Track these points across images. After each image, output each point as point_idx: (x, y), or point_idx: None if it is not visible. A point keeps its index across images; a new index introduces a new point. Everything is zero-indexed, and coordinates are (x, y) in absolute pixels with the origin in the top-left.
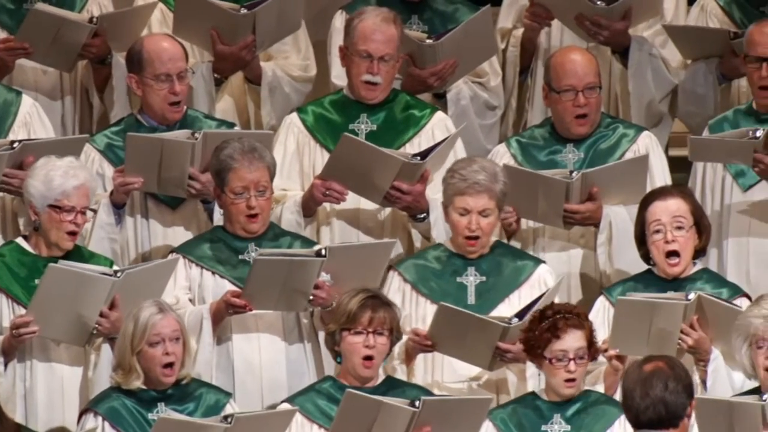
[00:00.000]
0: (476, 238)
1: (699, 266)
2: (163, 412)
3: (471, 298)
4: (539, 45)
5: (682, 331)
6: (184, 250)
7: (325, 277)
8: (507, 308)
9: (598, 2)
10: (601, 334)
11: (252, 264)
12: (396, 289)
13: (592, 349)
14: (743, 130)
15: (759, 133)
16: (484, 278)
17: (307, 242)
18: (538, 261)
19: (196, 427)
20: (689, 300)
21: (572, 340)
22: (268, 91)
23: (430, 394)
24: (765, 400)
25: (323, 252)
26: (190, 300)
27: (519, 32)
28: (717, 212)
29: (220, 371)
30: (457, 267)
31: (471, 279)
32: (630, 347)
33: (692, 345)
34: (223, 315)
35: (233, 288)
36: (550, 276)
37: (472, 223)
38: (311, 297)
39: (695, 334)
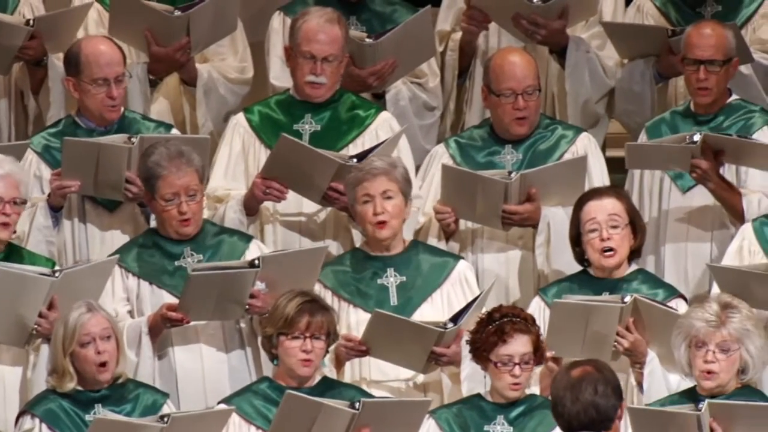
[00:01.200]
0: (384, 222)
1: (634, 267)
2: (100, 413)
3: (393, 299)
4: (478, 47)
5: (618, 334)
6: (121, 258)
7: (260, 285)
8: (430, 308)
9: (535, 0)
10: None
11: (186, 280)
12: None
13: (538, 354)
14: (680, 136)
15: (696, 138)
16: (404, 278)
17: (244, 237)
18: (457, 257)
19: (132, 427)
20: (625, 303)
21: (518, 345)
22: (203, 93)
23: (367, 394)
24: (700, 409)
25: (256, 262)
26: (129, 312)
27: (457, 35)
28: (655, 216)
29: (162, 382)
30: (376, 269)
31: (391, 280)
32: (566, 349)
33: (628, 347)
34: (161, 328)
35: (171, 298)
36: (470, 272)
37: (377, 207)
38: (247, 306)
39: (631, 337)
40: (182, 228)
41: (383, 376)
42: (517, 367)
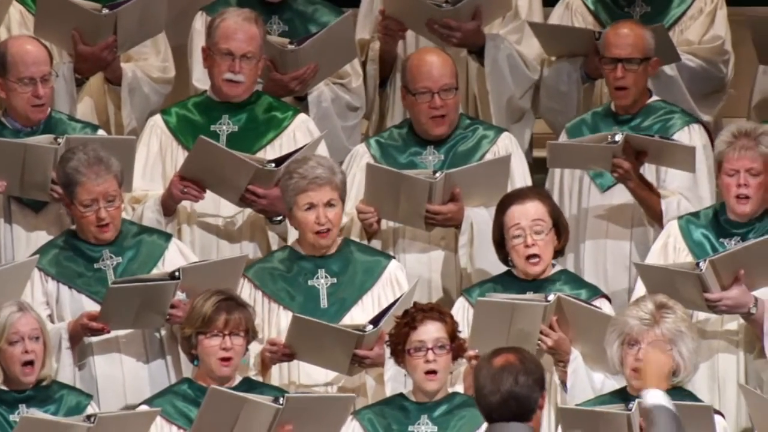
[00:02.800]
0: (327, 230)
1: (558, 267)
2: (25, 413)
3: (324, 302)
4: (397, 54)
5: (541, 332)
6: (40, 261)
7: (180, 296)
8: (360, 311)
9: (444, 5)
10: (462, 335)
11: (107, 291)
12: (247, 296)
13: (455, 343)
14: (602, 135)
15: (618, 138)
16: (335, 279)
17: (163, 236)
18: (389, 257)
19: (59, 427)
20: (549, 301)
21: (431, 331)
22: (128, 92)
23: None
24: (630, 409)
25: (177, 274)
26: (49, 316)
27: (377, 45)
28: (575, 214)
29: (84, 390)
30: (307, 270)
31: (322, 281)
32: (490, 348)
33: (551, 346)
34: (81, 335)
35: (91, 302)
36: (401, 272)
37: (321, 217)
38: (168, 316)
39: (555, 335)
40: (101, 233)
41: (311, 380)
42: (430, 352)
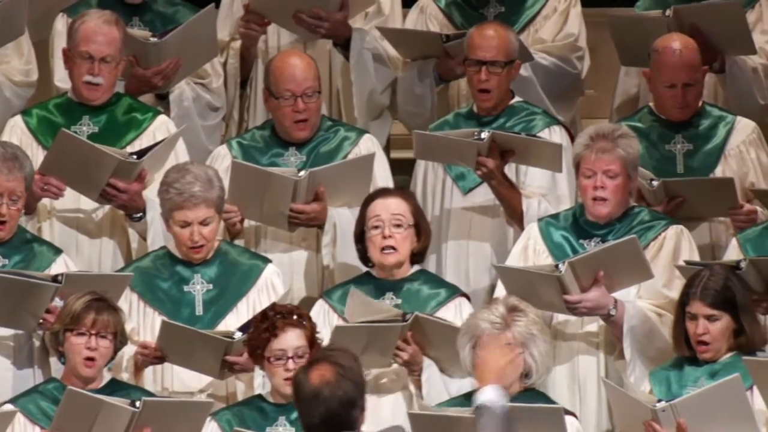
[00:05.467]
0: (201, 246)
1: (417, 267)
2: None
3: (199, 308)
4: (258, 52)
5: (397, 348)
6: None
7: (58, 302)
8: (235, 318)
9: None
10: (325, 336)
11: None
12: (123, 299)
13: (313, 350)
14: (469, 131)
15: (484, 135)
16: (211, 286)
17: (53, 249)
18: (265, 260)
19: None
20: (407, 321)
21: (291, 339)
22: None
23: (155, 396)
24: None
25: (59, 278)
26: None
27: (237, 44)
28: (437, 215)
29: None
30: (184, 275)
31: (198, 288)
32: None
33: (407, 360)
34: None
35: None
36: (277, 277)
37: (195, 234)
38: (41, 320)
39: (410, 349)
40: None
41: (184, 386)
42: (290, 361)
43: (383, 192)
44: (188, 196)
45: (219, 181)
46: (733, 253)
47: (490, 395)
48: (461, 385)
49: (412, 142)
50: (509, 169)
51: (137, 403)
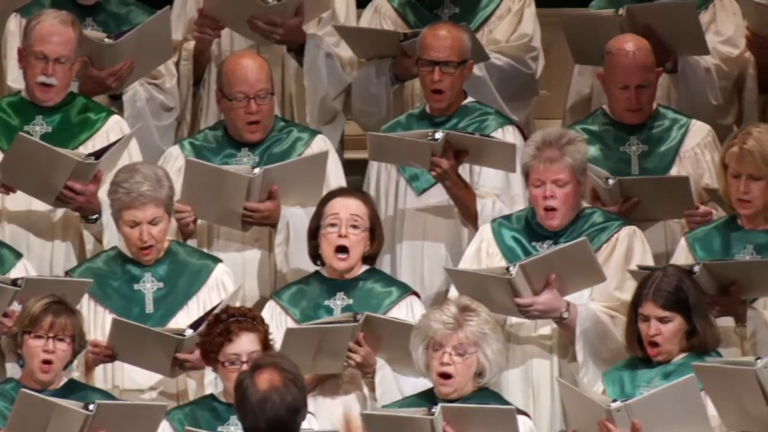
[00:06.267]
0: (150, 247)
1: (366, 267)
2: None
3: (149, 306)
4: (211, 54)
5: (349, 350)
6: None
7: (16, 306)
8: (185, 316)
9: (270, 0)
10: (276, 337)
11: None
12: None
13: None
14: (423, 132)
15: (438, 135)
16: (161, 284)
17: (14, 252)
18: (216, 260)
19: None
20: (357, 322)
21: (245, 344)
22: None
23: (113, 398)
24: (433, 414)
25: (19, 282)
26: None
27: (190, 45)
28: (391, 216)
29: None
30: (134, 274)
31: (148, 286)
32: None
33: (360, 362)
34: None
35: None
36: (228, 277)
37: (144, 234)
38: None
39: (363, 351)
40: None
41: (134, 384)
42: (244, 365)
43: (344, 191)
44: (137, 196)
45: (168, 180)
46: (681, 253)
47: None
48: (415, 384)
49: (366, 143)
50: (463, 170)
51: (90, 406)
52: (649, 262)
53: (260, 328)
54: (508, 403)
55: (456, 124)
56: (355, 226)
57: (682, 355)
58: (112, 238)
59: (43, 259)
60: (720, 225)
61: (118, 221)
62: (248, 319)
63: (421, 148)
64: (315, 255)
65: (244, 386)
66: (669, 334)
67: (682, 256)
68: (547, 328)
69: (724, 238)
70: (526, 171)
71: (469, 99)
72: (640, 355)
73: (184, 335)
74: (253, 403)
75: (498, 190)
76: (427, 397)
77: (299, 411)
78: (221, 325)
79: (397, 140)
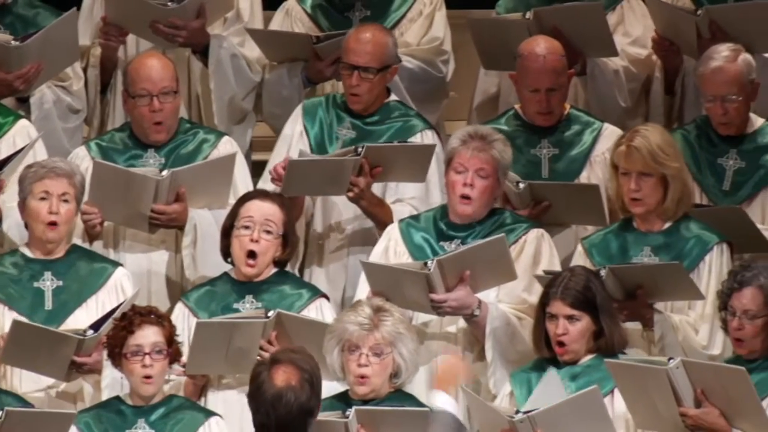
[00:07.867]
0: (56, 224)
1: (275, 269)
2: None
3: (48, 303)
4: (118, 60)
5: (261, 348)
6: None
7: None
8: (84, 313)
9: (169, 4)
10: (185, 338)
11: None
12: None
13: (172, 348)
14: (343, 150)
15: (360, 150)
16: (61, 282)
17: None
18: (116, 264)
19: None
20: (269, 317)
21: (148, 335)
22: None
23: (22, 401)
24: (348, 416)
25: None
26: None
27: (97, 50)
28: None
29: None
30: (34, 271)
31: (48, 283)
32: (208, 366)
33: None
34: None
35: None
36: (127, 280)
37: (53, 206)
38: None
39: (273, 350)
40: None
41: (35, 385)
42: (147, 357)
43: (262, 194)
44: (52, 167)
45: (81, 176)
46: (579, 259)
47: (445, 401)
48: (329, 387)
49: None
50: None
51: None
52: (557, 266)
53: (165, 324)
54: (423, 405)
55: (377, 122)
56: (268, 231)
57: (589, 357)
58: (14, 241)
59: None
60: (615, 229)
61: (28, 198)
62: (153, 315)
63: (345, 166)
64: (227, 253)
65: (261, 380)
66: (576, 334)
67: (579, 262)
68: (453, 326)
69: (620, 241)
70: (450, 156)
71: (393, 97)
72: (547, 355)
73: (85, 335)
74: (267, 398)
75: (416, 201)
76: (342, 399)
77: (312, 413)
78: (125, 320)
79: (318, 163)
